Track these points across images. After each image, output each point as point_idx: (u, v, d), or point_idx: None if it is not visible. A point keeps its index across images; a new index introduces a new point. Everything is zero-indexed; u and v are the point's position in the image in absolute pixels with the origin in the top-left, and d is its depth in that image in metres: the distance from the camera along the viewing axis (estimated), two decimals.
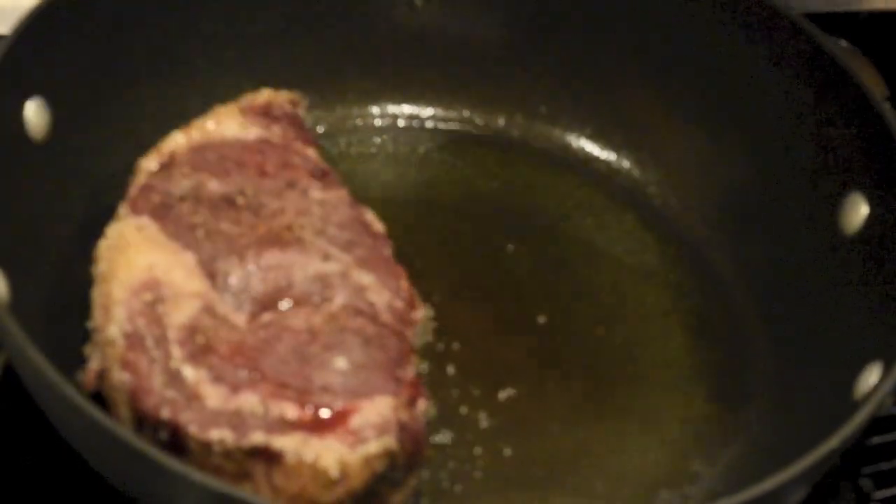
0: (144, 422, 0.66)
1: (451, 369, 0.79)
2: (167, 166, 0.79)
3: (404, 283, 0.76)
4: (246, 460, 0.65)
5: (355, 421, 0.67)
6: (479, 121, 0.95)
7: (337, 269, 0.75)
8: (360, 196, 0.81)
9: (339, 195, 0.80)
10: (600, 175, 0.94)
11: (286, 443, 0.65)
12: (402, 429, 0.68)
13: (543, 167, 0.94)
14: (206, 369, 0.68)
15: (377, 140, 0.94)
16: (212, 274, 0.73)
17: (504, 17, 0.94)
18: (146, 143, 0.80)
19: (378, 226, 0.79)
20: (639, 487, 0.76)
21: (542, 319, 0.84)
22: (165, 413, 0.66)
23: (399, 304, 0.75)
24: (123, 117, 0.83)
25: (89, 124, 0.80)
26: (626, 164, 0.94)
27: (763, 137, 0.87)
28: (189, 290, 0.72)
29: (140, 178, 0.78)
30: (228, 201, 0.77)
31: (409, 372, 0.71)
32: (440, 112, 0.95)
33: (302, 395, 0.67)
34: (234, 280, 0.73)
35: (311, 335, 0.71)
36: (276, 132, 0.83)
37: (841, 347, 0.77)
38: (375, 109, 0.95)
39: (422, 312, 0.78)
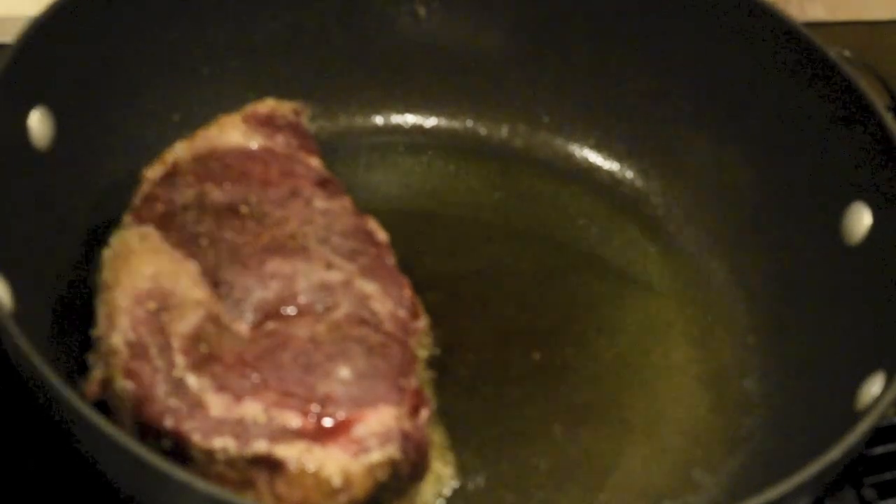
0: (148, 430, 0.66)
1: (453, 378, 0.79)
2: (171, 175, 0.79)
3: (407, 293, 0.76)
4: (249, 469, 0.65)
5: (358, 430, 0.67)
6: (482, 130, 0.96)
7: (340, 278, 0.75)
8: (364, 205, 0.81)
9: (342, 204, 0.80)
10: (603, 185, 0.94)
11: (289, 451, 0.65)
12: (405, 438, 0.68)
13: (547, 177, 0.94)
14: (210, 378, 0.68)
15: (380, 150, 0.94)
16: (215, 283, 0.73)
17: (507, 27, 0.94)
18: (150, 153, 0.80)
19: (381, 235, 0.79)
20: (641, 497, 0.76)
21: (544, 329, 0.84)
22: (169, 422, 0.66)
23: (402, 313, 0.75)
24: (127, 126, 0.83)
25: (93, 133, 0.80)
26: (629, 174, 0.94)
27: (766, 147, 0.87)
28: (193, 298, 0.72)
29: (144, 187, 0.78)
30: (232, 210, 0.77)
31: (412, 381, 0.71)
32: (443, 122, 0.96)
33: (305, 404, 0.67)
34: (237, 289, 0.73)
35: (314, 344, 0.71)
36: (279, 141, 0.83)
37: (843, 357, 0.77)
38: (379, 119, 0.95)
39: (425, 321, 0.78)
